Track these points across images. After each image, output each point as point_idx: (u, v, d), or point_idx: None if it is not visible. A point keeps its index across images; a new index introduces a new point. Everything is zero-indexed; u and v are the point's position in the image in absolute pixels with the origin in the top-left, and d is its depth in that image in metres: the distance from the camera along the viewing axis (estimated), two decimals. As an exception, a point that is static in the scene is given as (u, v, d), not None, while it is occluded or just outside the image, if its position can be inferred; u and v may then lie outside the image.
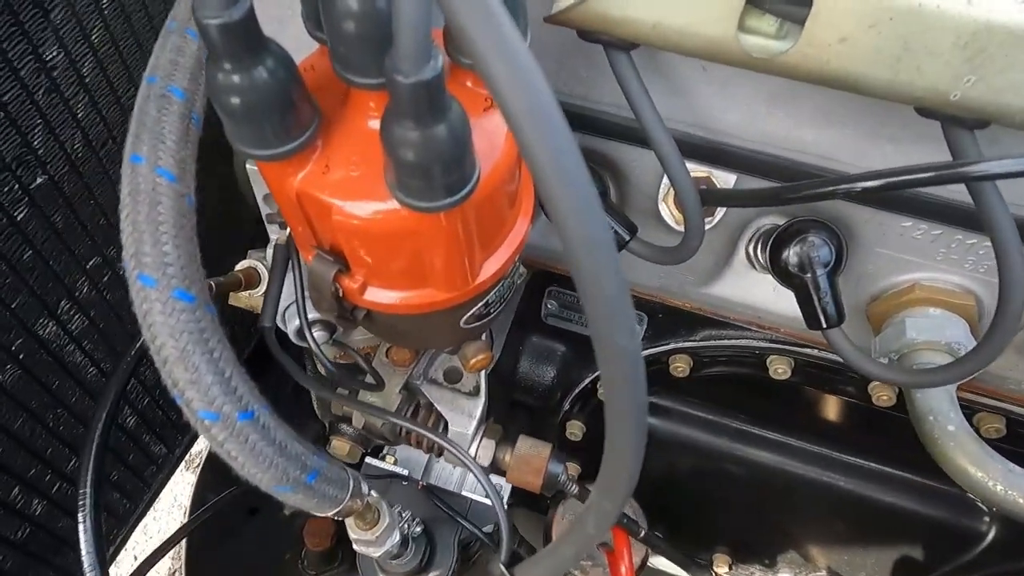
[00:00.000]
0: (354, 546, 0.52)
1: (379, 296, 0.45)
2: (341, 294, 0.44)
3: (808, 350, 0.77)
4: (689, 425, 0.95)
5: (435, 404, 0.58)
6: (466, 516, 0.64)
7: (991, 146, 0.48)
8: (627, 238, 0.59)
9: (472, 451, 0.57)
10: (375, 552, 0.50)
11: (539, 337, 0.89)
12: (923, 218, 0.57)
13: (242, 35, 0.30)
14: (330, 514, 0.42)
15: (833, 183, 0.47)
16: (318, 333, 0.52)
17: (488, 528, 0.63)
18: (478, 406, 0.58)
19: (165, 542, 0.75)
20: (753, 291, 0.68)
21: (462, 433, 0.57)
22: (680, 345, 0.82)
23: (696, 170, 0.60)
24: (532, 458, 0.58)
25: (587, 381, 0.90)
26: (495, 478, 0.64)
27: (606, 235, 0.25)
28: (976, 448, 0.55)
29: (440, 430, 0.58)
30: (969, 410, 0.77)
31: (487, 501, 0.64)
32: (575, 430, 0.95)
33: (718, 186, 0.60)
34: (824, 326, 0.57)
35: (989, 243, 0.59)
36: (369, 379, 0.55)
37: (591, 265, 0.25)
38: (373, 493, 0.48)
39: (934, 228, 0.58)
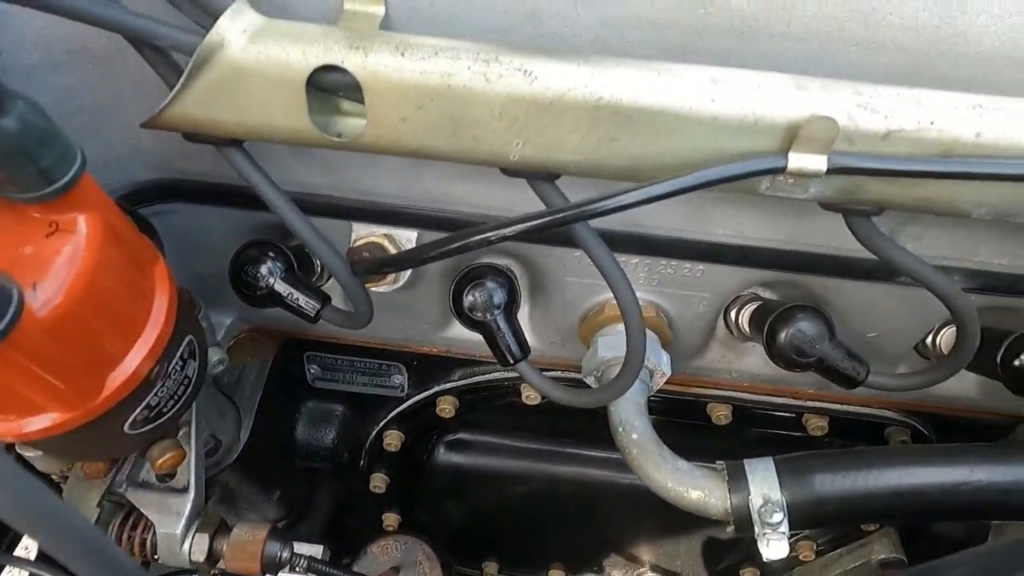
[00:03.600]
0: None
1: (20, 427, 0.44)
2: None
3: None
4: (490, 454, 0.98)
5: (140, 508, 0.57)
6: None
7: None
8: (318, 307, 0.61)
9: (185, 548, 0.57)
10: None
11: (314, 402, 0.89)
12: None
13: None
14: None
15: (464, 237, 0.50)
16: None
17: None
18: (187, 503, 0.58)
19: None
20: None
21: (170, 534, 0.56)
22: (442, 387, 0.84)
23: (375, 232, 0.63)
24: (247, 544, 0.57)
25: (373, 435, 0.91)
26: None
27: None
28: (655, 451, 0.60)
29: (150, 533, 0.57)
30: (796, 412, 0.83)
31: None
32: (379, 483, 0.96)
33: (401, 245, 0.63)
34: (511, 362, 0.61)
35: (653, 260, 0.66)
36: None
37: None
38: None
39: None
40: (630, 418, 0.62)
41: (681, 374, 0.77)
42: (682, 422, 0.83)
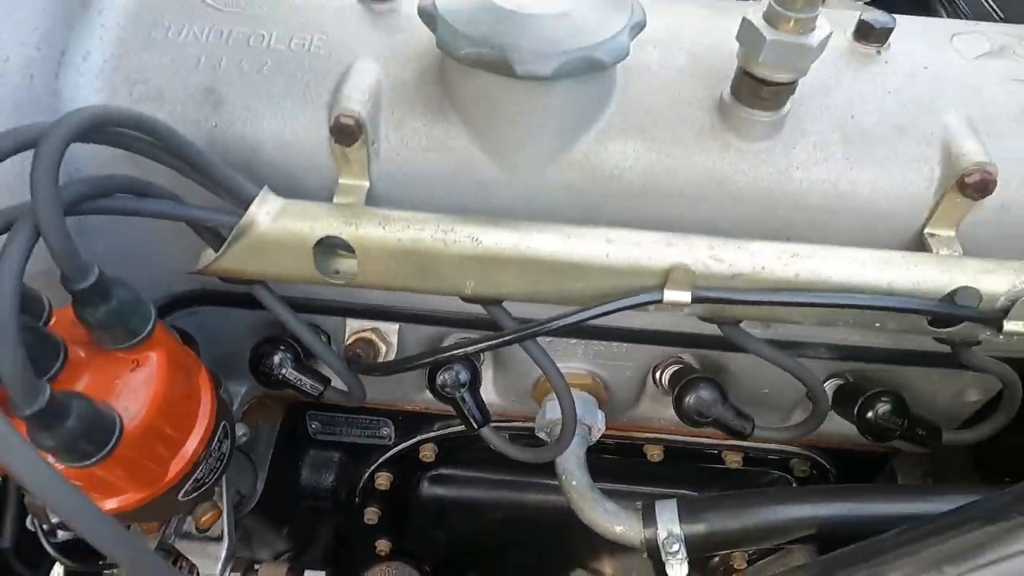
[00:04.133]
0: None
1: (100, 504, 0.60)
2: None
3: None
4: (467, 487, 1.14)
5: (186, 555, 0.72)
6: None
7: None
8: (321, 389, 0.77)
9: (220, 586, 0.73)
10: None
11: (316, 451, 1.05)
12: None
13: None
14: None
15: (438, 352, 0.67)
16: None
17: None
18: (223, 549, 0.73)
19: None
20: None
21: (211, 574, 0.72)
22: (423, 437, 1.01)
23: (365, 326, 0.79)
24: (272, 580, 0.73)
25: (366, 476, 1.07)
26: None
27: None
28: (589, 495, 0.76)
29: (195, 574, 0.73)
30: (716, 449, 1.00)
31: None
32: (372, 516, 1.12)
33: (387, 336, 0.80)
34: (475, 428, 0.77)
35: (588, 342, 0.83)
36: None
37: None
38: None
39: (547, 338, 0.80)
40: (571, 469, 0.79)
41: (621, 422, 0.94)
42: (625, 460, 1.00)
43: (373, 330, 0.78)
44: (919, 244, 0.64)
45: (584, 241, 0.59)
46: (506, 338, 0.62)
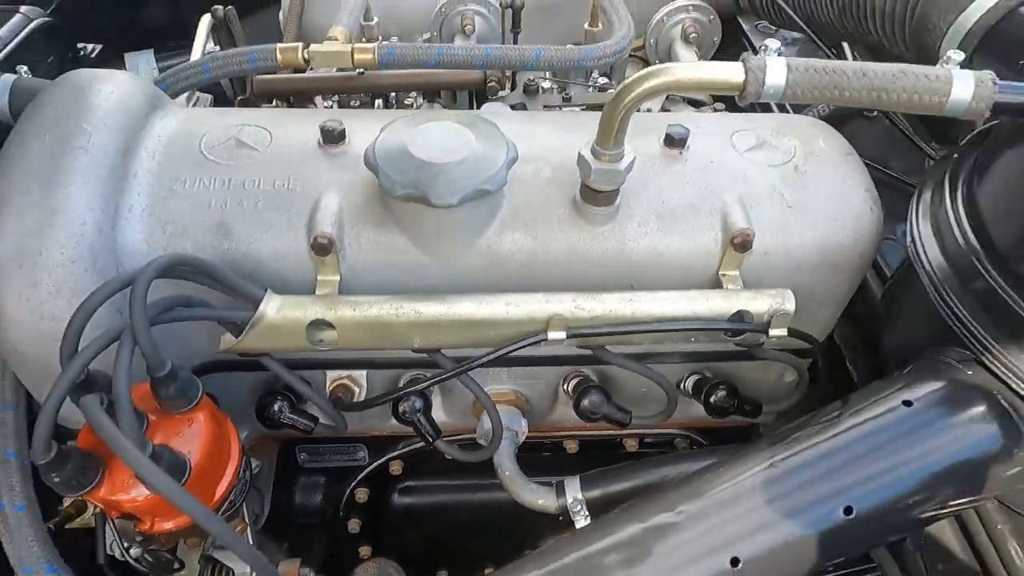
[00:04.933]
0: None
1: (164, 525, 0.84)
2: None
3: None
4: (432, 493, 1.41)
5: (223, 561, 0.97)
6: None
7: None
8: (312, 426, 1.03)
9: (251, 582, 0.97)
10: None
11: (304, 477, 1.30)
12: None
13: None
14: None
15: (396, 391, 0.94)
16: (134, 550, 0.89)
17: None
18: (250, 553, 0.98)
19: None
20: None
21: (244, 572, 0.97)
22: (392, 455, 1.27)
23: (342, 375, 1.06)
24: (289, 572, 0.98)
25: (347, 493, 1.32)
26: None
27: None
28: (518, 480, 1.04)
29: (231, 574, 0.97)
30: (619, 437, 1.29)
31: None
32: (354, 526, 1.37)
33: (359, 380, 1.06)
34: (431, 442, 1.05)
35: (510, 368, 1.11)
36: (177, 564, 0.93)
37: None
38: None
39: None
40: (504, 463, 1.06)
41: (543, 425, 1.23)
42: (549, 453, 1.29)
43: (348, 377, 1.05)
44: (717, 283, 0.96)
45: (491, 305, 0.88)
46: (445, 375, 0.90)
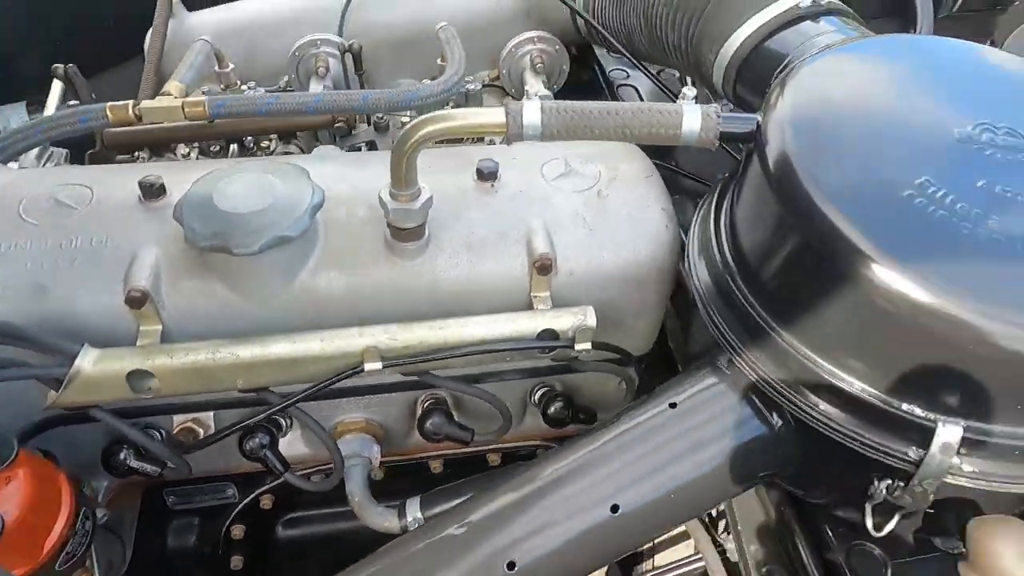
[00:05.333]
0: None
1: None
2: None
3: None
4: (307, 524, 1.45)
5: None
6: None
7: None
8: (159, 471, 1.06)
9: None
10: None
11: (176, 520, 1.32)
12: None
13: None
14: None
15: (231, 427, 0.98)
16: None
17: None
18: (99, 602, 1.00)
19: None
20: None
21: (92, 621, 0.99)
22: (260, 489, 1.30)
23: (188, 417, 1.09)
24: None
25: (223, 531, 1.34)
26: None
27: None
28: (368, 506, 1.09)
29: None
30: (481, 453, 1.35)
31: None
32: (237, 563, 1.39)
33: (204, 421, 1.10)
34: (282, 474, 1.09)
35: (356, 398, 1.16)
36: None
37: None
38: None
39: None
40: (354, 490, 1.10)
41: (406, 448, 1.28)
42: (416, 474, 1.34)
43: (194, 419, 1.08)
44: (531, 305, 1.03)
45: (307, 343, 0.93)
46: (269, 411, 0.95)
